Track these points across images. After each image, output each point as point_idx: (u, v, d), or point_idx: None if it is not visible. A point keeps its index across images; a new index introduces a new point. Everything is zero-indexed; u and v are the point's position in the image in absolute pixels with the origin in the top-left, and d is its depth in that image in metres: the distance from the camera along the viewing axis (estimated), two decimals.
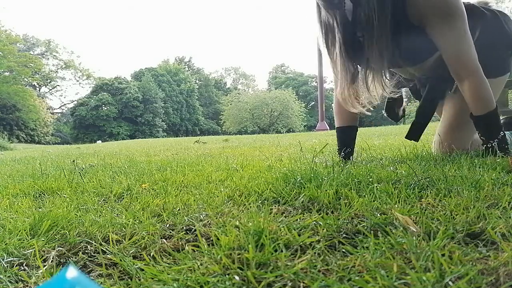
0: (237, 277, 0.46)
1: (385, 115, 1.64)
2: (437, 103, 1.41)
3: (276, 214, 0.74)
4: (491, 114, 1.28)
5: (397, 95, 1.54)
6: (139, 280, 0.49)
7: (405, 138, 1.44)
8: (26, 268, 0.56)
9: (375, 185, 0.86)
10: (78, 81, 37.74)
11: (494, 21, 1.37)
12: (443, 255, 0.48)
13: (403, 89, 1.65)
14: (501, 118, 1.93)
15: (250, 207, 0.79)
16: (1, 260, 0.58)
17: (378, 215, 0.66)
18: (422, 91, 1.49)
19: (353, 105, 1.35)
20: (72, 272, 0.31)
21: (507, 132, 1.72)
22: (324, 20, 1.28)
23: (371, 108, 1.37)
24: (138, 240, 0.64)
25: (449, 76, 1.36)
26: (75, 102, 35.06)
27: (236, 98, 29.14)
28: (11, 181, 1.42)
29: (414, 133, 1.42)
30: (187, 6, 76.91)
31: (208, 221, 0.72)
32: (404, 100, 1.65)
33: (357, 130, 1.51)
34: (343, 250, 0.54)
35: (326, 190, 0.83)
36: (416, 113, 1.43)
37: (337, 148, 1.50)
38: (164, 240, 0.64)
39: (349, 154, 1.43)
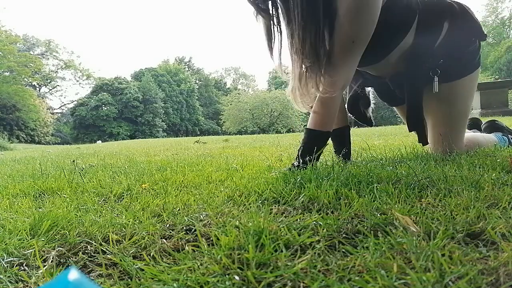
0: (237, 277, 0.46)
1: (350, 116, 1.60)
2: (421, 104, 1.38)
3: (276, 214, 0.74)
4: (320, 134, 1.24)
5: (356, 92, 1.51)
6: (139, 280, 0.49)
7: (420, 143, 1.43)
8: (26, 268, 0.56)
9: (375, 185, 0.86)
10: (78, 81, 37.76)
11: (464, 16, 1.32)
12: (443, 255, 0.48)
13: (370, 90, 1.62)
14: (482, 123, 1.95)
15: (250, 207, 0.79)
16: (1, 260, 0.58)
17: (378, 215, 0.66)
18: (399, 92, 1.46)
19: (302, 104, 1.32)
20: (74, 274, 0.31)
21: (491, 134, 1.74)
22: (263, 23, 1.26)
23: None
24: (138, 240, 0.64)
25: (422, 70, 1.34)
26: (75, 102, 35.07)
27: (236, 98, 29.13)
28: (11, 181, 1.42)
29: (423, 139, 1.40)
30: (187, 6, 76.94)
31: (208, 221, 0.72)
32: (372, 102, 1.61)
33: (350, 130, 1.49)
34: (343, 250, 0.54)
35: (326, 190, 0.83)
36: (408, 124, 1.40)
37: (334, 150, 1.49)
38: (164, 240, 0.64)
39: (348, 154, 1.42)
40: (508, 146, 1.64)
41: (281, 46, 1.25)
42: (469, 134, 1.64)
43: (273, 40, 1.25)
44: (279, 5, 1.19)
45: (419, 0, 1.29)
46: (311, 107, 1.31)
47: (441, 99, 1.41)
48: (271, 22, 1.22)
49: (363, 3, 1.12)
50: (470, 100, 1.44)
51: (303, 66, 1.23)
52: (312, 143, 1.21)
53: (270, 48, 1.26)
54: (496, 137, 1.69)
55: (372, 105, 1.62)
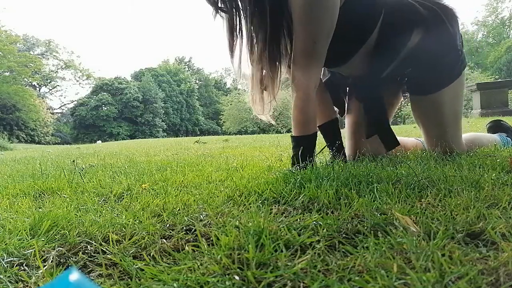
0: (237, 277, 0.46)
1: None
2: (383, 107, 1.34)
3: (276, 214, 0.74)
4: (306, 138, 1.22)
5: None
6: (139, 280, 0.49)
7: (387, 151, 1.39)
8: (26, 268, 0.56)
9: (375, 185, 0.86)
10: (78, 81, 37.72)
11: (437, 25, 1.24)
12: (443, 255, 0.48)
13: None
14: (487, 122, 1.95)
15: (250, 207, 0.79)
16: (1, 260, 0.58)
17: (378, 215, 0.66)
18: (357, 95, 1.43)
19: (262, 111, 1.31)
20: (75, 275, 0.31)
21: (495, 134, 1.74)
22: (226, 23, 1.23)
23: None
24: (138, 240, 0.64)
25: (385, 75, 1.32)
26: (75, 102, 35.05)
27: (236, 98, 29.12)
28: (11, 181, 1.42)
29: (390, 145, 1.36)
30: (187, 7, 76.92)
31: (208, 221, 0.72)
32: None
33: (338, 121, 1.45)
34: (343, 250, 0.54)
35: (326, 190, 0.83)
36: (370, 128, 1.36)
37: (327, 144, 1.44)
38: (164, 240, 0.64)
39: (341, 147, 1.38)
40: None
41: (241, 48, 1.23)
42: (471, 134, 1.64)
43: (234, 42, 1.23)
44: (240, 8, 1.18)
45: (384, 5, 1.23)
46: (270, 114, 1.31)
47: (427, 108, 1.40)
48: (234, 22, 1.20)
49: (315, 2, 1.10)
50: (459, 103, 1.40)
51: (262, 71, 1.22)
52: (301, 149, 1.19)
53: (231, 50, 1.24)
54: (500, 137, 1.68)
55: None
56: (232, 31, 1.21)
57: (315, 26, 1.13)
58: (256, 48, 1.19)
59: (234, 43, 1.23)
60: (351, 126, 1.49)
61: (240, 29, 1.21)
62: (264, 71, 1.23)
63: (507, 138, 1.70)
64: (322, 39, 1.15)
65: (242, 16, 1.19)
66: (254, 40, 1.18)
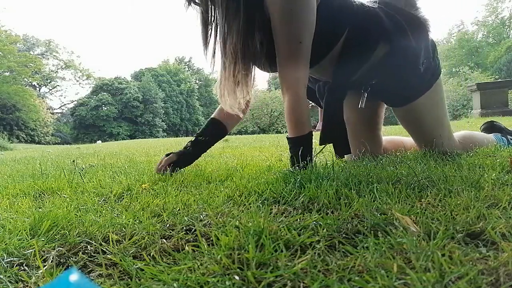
0: (237, 277, 0.46)
1: (312, 104, 1.49)
2: (340, 117, 1.29)
3: (276, 214, 0.74)
4: (302, 138, 1.17)
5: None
6: (139, 280, 0.49)
7: (338, 157, 1.34)
8: (26, 268, 0.56)
9: (375, 185, 0.85)
10: (78, 81, 37.74)
11: (398, 40, 1.21)
12: (443, 255, 0.48)
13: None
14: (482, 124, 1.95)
15: (250, 207, 0.79)
16: (1, 260, 0.58)
17: (378, 215, 0.66)
18: (322, 101, 1.38)
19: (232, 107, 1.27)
20: (75, 275, 0.31)
21: (491, 134, 1.74)
22: (200, 15, 1.22)
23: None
24: (138, 240, 0.64)
25: (348, 84, 1.29)
26: (75, 102, 35.06)
27: None
28: (11, 181, 1.42)
29: (341, 152, 1.31)
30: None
31: (208, 221, 0.72)
32: None
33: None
34: (343, 250, 0.54)
35: (326, 190, 0.83)
36: (323, 136, 1.29)
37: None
38: (164, 240, 0.64)
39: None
40: (508, 146, 1.64)
41: (216, 40, 1.21)
42: (466, 132, 1.65)
43: (209, 33, 1.21)
44: (214, 0, 1.16)
45: (354, 10, 1.21)
46: (238, 108, 1.28)
47: (405, 117, 1.40)
48: (208, 14, 1.18)
49: (297, 3, 1.09)
50: (439, 109, 1.37)
51: (236, 65, 1.19)
52: (298, 150, 1.16)
53: (205, 41, 1.22)
54: (495, 137, 1.69)
55: None
56: (206, 23, 1.20)
57: (298, 25, 1.11)
58: (229, 41, 1.16)
59: (208, 34, 1.21)
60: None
61: (215, 20, 1.19)
62: (238, 65, 1.20)
63: (502, 137, 1.72)
64: (307, 37, 1.13)
65: (216, 8, 1.17)
66: (228, 33, 1.16)
